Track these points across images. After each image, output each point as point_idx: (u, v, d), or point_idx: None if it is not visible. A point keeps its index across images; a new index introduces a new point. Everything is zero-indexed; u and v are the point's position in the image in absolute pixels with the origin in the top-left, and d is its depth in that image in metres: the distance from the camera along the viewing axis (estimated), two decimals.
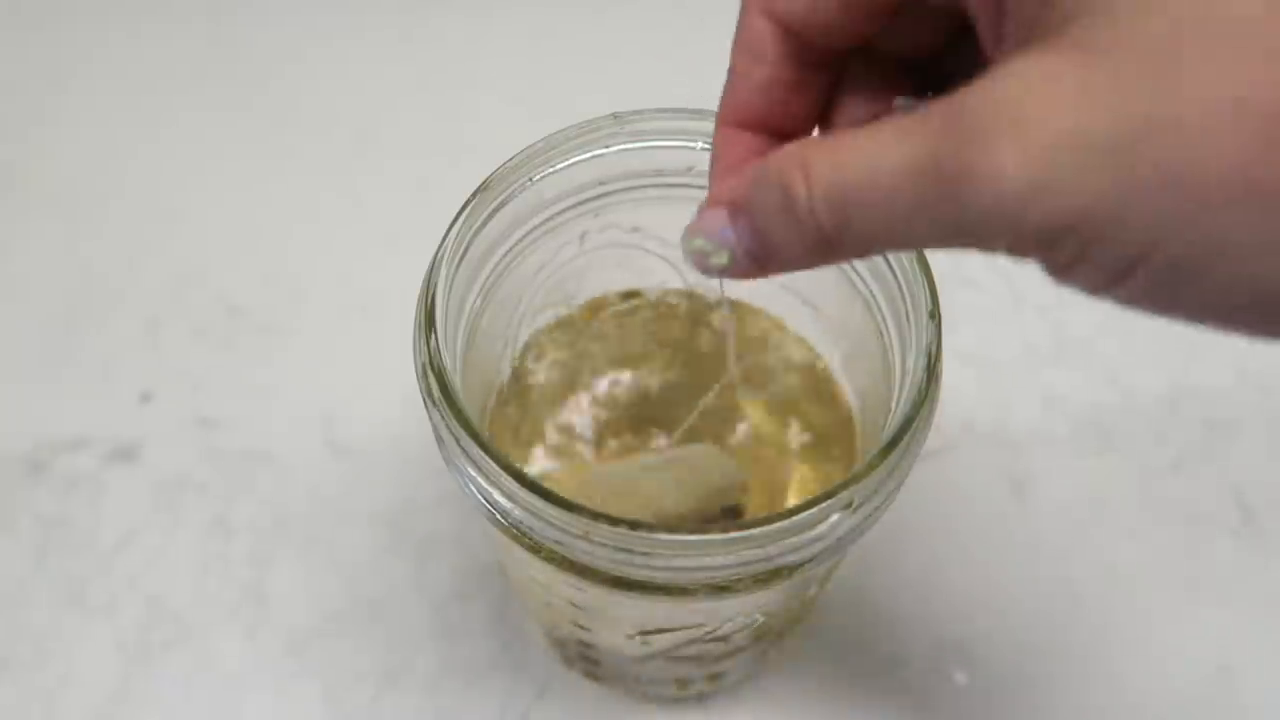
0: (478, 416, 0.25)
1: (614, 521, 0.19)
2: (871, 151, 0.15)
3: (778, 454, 0.28)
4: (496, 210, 0.24)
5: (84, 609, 0.32)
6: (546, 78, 0.44)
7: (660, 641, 0.25)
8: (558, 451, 0.28)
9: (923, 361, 0.21)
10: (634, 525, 0.19)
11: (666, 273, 0.29)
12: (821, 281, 0.26)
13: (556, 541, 0.20)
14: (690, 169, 0.25)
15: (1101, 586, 0.32)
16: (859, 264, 0.25)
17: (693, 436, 0.28)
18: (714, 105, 0.25)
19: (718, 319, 0.29)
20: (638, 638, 0.25)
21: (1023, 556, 0.33)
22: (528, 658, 0.31)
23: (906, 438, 0.21)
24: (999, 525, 0.33)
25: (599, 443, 0.28)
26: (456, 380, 0.22)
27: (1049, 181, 0.13)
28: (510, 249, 0.25)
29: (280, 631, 0.32)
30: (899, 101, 0.19)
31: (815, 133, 0.19)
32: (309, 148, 0.42)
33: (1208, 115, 0.13)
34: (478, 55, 0.45)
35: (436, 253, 0.22)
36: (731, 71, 0.19)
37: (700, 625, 0.25)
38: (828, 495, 0.20)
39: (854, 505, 0.20)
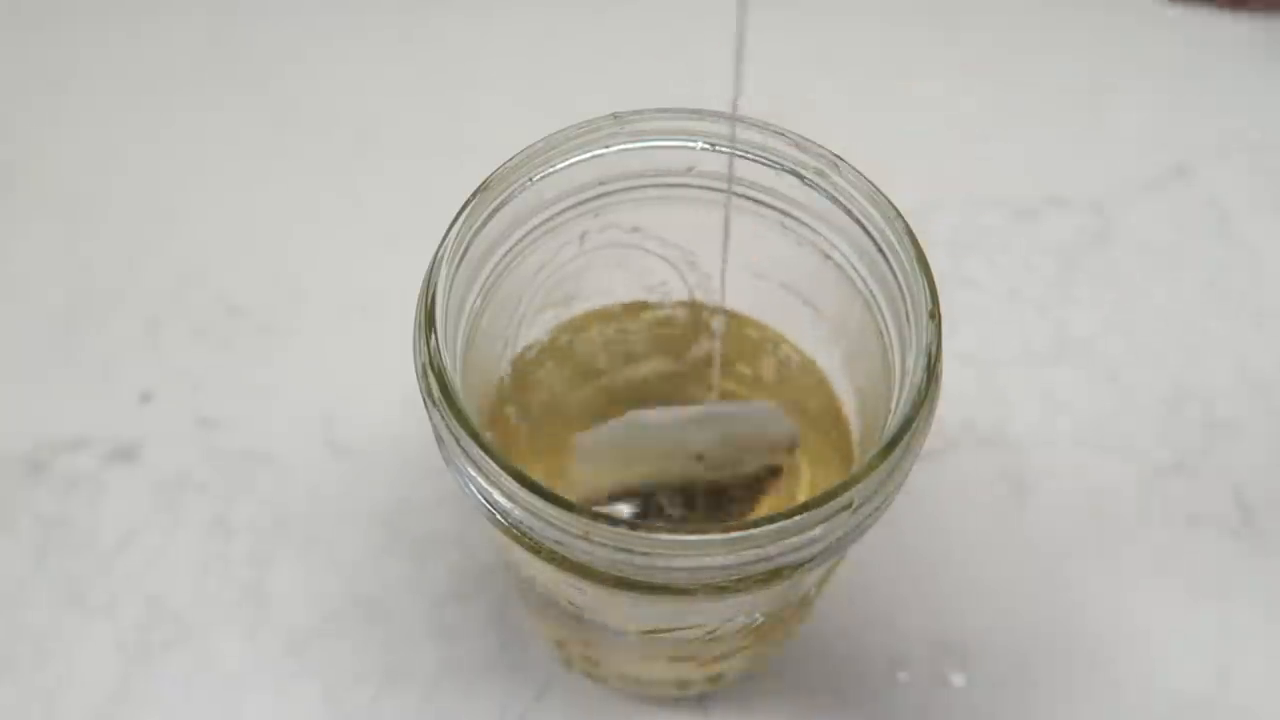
0: (478, 416, 0.25)
1: (614, 521, 0.19)
2: None
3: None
4: (496, 210, 0.24)
5: (84, 609, 0.32)
6: (546, 78, 0.44)
7: (660, 641, 0.25)
8: (559, 451, 0.28)
9: (923, 361, 0.21)
10: (634, 525, 0.19)
11: (666, 273, 0.29)
12: (821, 281, 0.26)
13: (556, 541, 0.20)
14: (690, 169, 0.25)
15: (1101, 586, 0.32)
16: (859, 264, 0.25)
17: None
18: (714, 105, 0.25)
19: (717, 322, 0.29)
20: (638, 638, 0.26)
21: (1023, 556, 0.33)
22: (527, 658, 0.31)
23: (906, 438, 0.21)
24: (999, 525, 0.33)
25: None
26: (456, 380, 0.22)
27: None
28: (510, 249, 0.25)
29: (280, 631, 0.32)
30: None
31: None
32: (309, 148, 0.42)
33: None
34: (478, 55, 0.45)
35: (436, 253, 0.22)
36: None
37: (700, 625, 0.25)
38: (828, 495, 0.20)
39: (854, 505, 0.20)
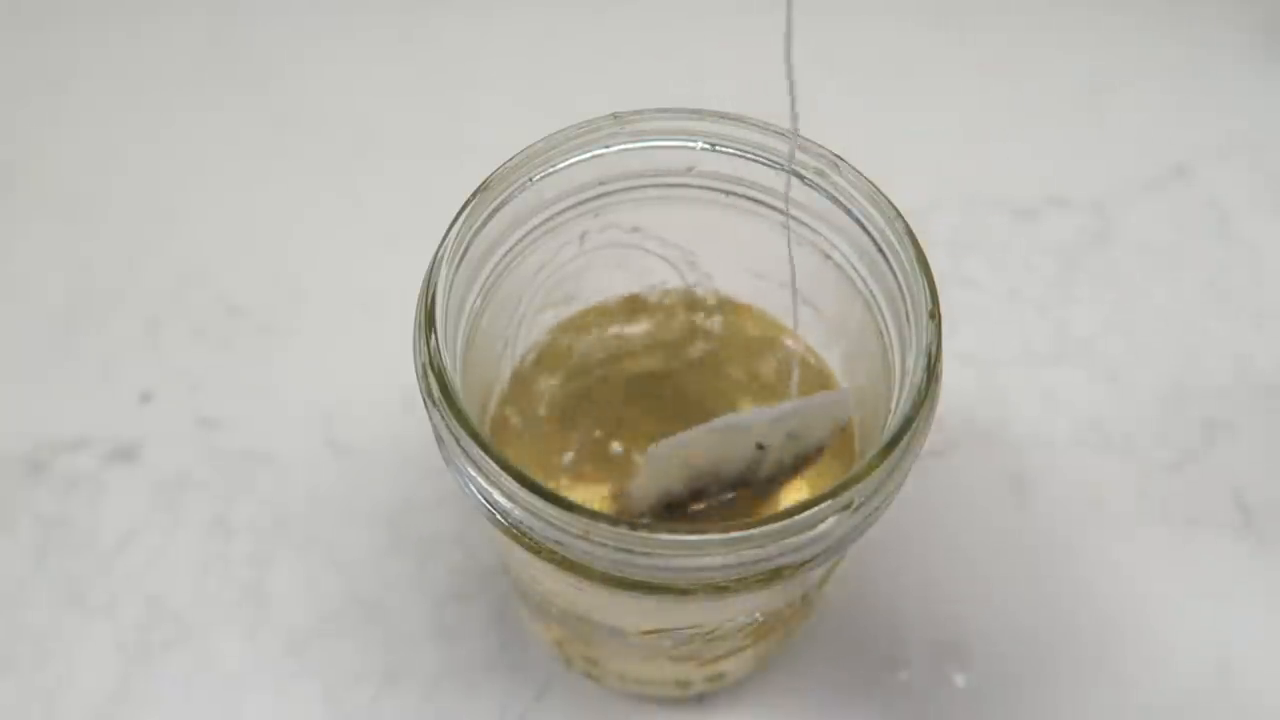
0: (478, 416, 0.25)
1: (614, 521, 0.19)
2: None
3: None
4: (496, 210, 0.24)
5: (84, 609, 0.32)
6: (546, 78, 0.44)
7: (660, 641, 0.25)
8: (559, 451, 0.28)
9: (923, 361, 0.21)
10: (634, 525, 0.19)
11: (666, 273, 0.29)
12: (821, 281, 0.26)
13: (556, 541, 0.20)
14: (690, 169, 0.25)
15: (1101, 586, 0.32)
16: (859, 264, 0.25)
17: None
18: (714, 105, 0.25)
19: (716, 322, 0.29)
20: (638, 638, 0.26)
21: (1023, 556, 0.33)
22: (527, 658, 0.31)
23: (906, 438, 0.21)
24: (999, 525, 0.33)
25: (600, 442, 0.28)
26: (456, 380, 0.22)
27: None
28: (510, 249, 0.25)
29: (280, 631, 0.32)
30: None
31: None
32: (309, 148, 0.42)
33: None
34: (478, 55, 0.45)
35: (436, 253, 0.22)
36: None
37: (700, 625, 0.25)
38: (828, 495, 0.20)
39: (854, 505, 0.20)
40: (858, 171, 0.24)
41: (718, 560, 0.20)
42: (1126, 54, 0.46)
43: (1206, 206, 0.41)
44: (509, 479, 0.20)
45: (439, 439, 0.21)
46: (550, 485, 0.20)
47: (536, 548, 0.21)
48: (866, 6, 0.46)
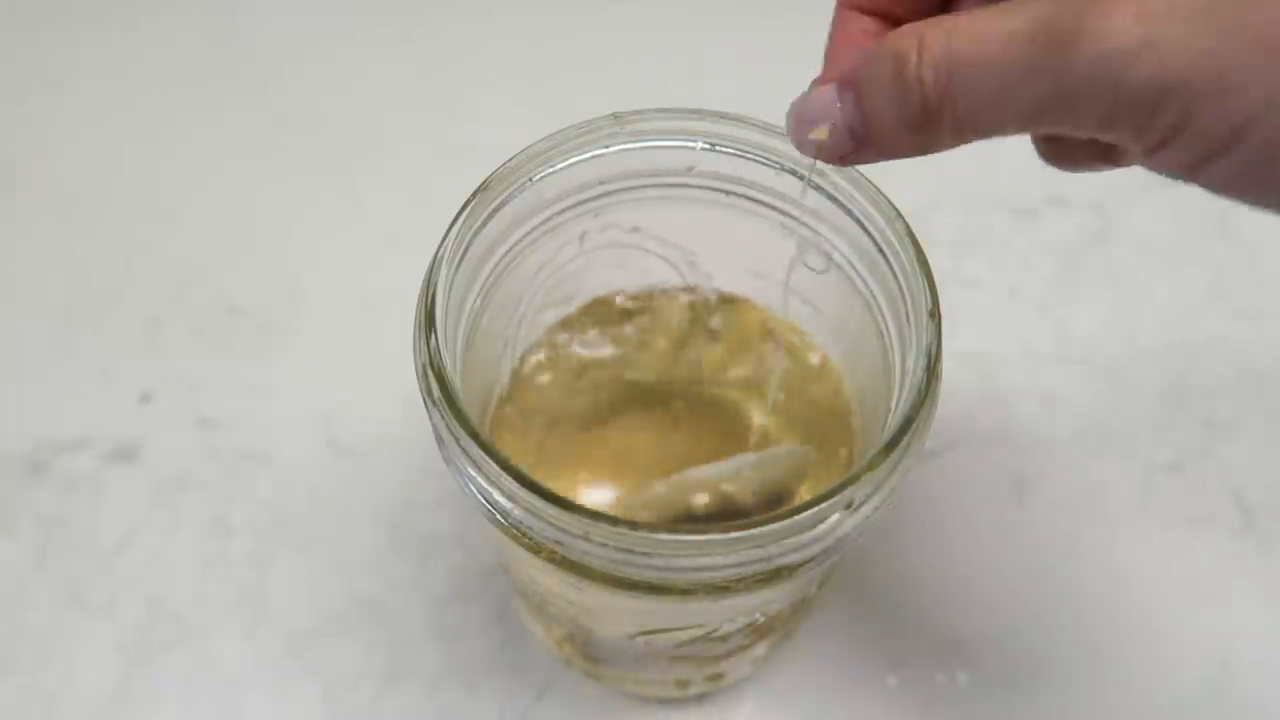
0: (478, 416, 0.25)
1: (614, 521, 0.19)
2: (986, 21, 0.15)
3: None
4: (496, 210, 0.24)
5: (84, 609, 0.32)
6: (546, 78, 0.44)
7: (660, 641, 0.25)
8: (559, 450, 0.28)
9: (923, 361, 0.21)
10: (634, 525, 0.19)
11: (666, 272, 0.29)
12: (821, 281, 0.26)
13: (556, 541, 0.20)
14: (690, 169, 0.25)
15: (1101, 586, 0.32)
16: (859, 264, 0.25)
17: (694, 438, 0.28)
18: (714, 105, 0.25)
19: (716, 320, 0.29)
20: (638, 638, 0.26)
21: (1023, 556, 0.33)
22: (528, 658, 0.31)
23: (906, 438, 0.21)
24: (999, 525, 0.33)
25: (600, 441, 0.28)
26: (456, 380, 0.22)
27: (1156, 39, 0.13)
28: (510, 249, 0.25)
29: (280, 631, 0.32)
30: None
31: None
32: (309, 148, 0.42)
33: None
34: (478, 55, 0.45)
35: (436, 253, 0.22)
36: None
37: (700, 625, 0.25)
38: (828, 495, 0.20)
39: (854, 505, 0.20)
40: (858, 171, 0.24)
41: (718, 560, 0.20)
42: None
43: (1206, 206, 0.41)
44: (509, 479, 0.20)
45: (439, 439, 0.21)
46: (550, 485, 0.20)
47: (536, 548, 0.21)
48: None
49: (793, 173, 0.24)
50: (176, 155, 0.42)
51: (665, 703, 0.31)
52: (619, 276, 0.29)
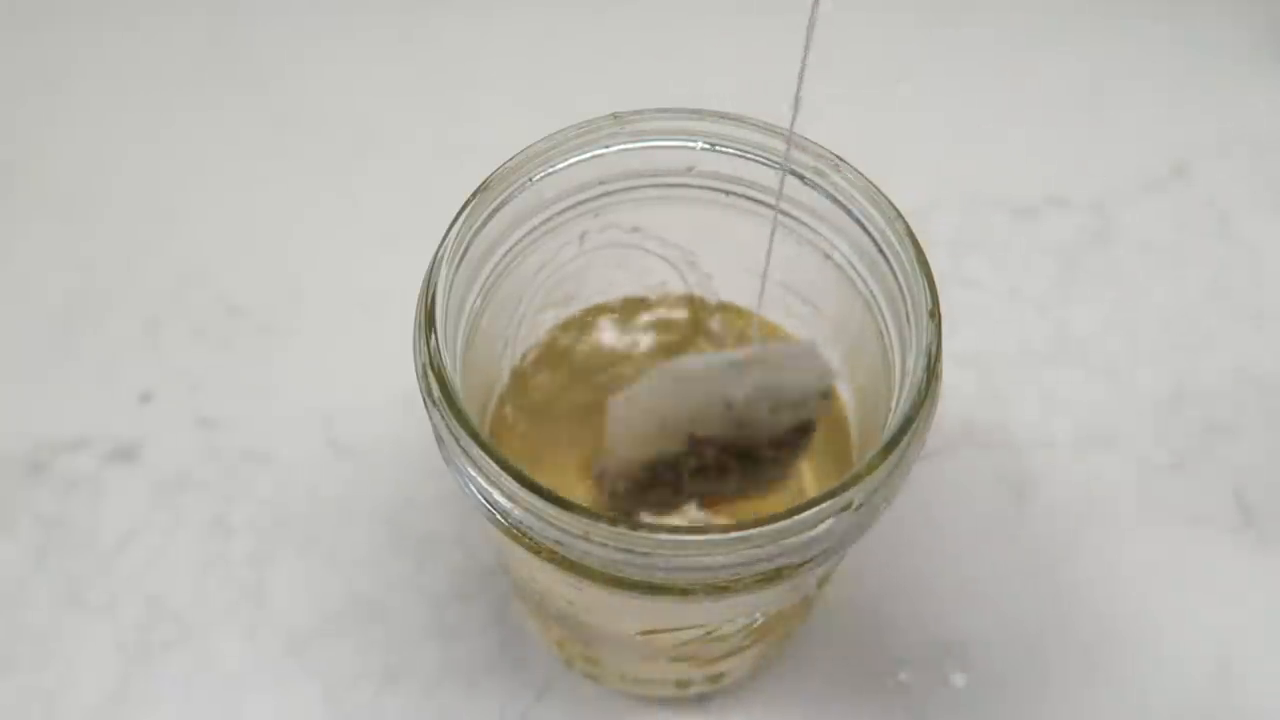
0: (478, 416, 0.25)
1: (614, 521, 0.19)
2: None
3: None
4: (496, 210, 0.24)
5: (84, 609, 0.32)
6: (546, 78, 0.44)
7: (660, 641, 0.25)
8: (559, 451, 0.28)
9: (923, 361, 0.21)
10: (634, 525, 0.19)
11: (666, 273, 0.29)
12: (821, 281, 0.26)
13: (556, 541, 0.20)
14: (690, 169, 0.25)
15: (1101, 586, 0.32)
16: (859, 263, 0.25)
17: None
18: (714, 105, 0.25)
19: (717, 322, 0.29)
20: (638, 638, 0.26)
21: (1023, 557, 0.33)
22: (528, 658, 0.31)
23: (906, 438, 0.21)
24: (999, 526, 0.33)
25: (600, 441, 0.28)
26: (456, 380, 0.22)
27: None
28: (510, 249, 0.25)
29: (280, 631, 0.32)
30: None
31: None
32: (309, 148, 0.42)
33: None
34: (478, 55, 0.45)
35: (436, 253, 0.22)
36: None
37: (700, 625, 0.25)
38: (828, 495, 0.20)
39: (854, 505, 0.20)
40: (858, 171, 0.24)
41: (718, 560, 0.20)
42: (1126, 53, 0.46)
43: (1206, 206, 0.41)
44: (509, 479, 0.20)
45: (439, 439, 0.21)
46: (550, 485, 0.20)
47: (536, 548, 0.21)
48: (867, 6, 0.46)
49: (793, 173, 0.24)
50: (176, 155, 0.42)
51: (665, 703, 0.31)
52: (619, 276, 0.28)
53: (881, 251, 0.23)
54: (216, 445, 0.35)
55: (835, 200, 0.24)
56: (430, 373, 0.21)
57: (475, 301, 0.24)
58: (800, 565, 0.20)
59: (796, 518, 0.19)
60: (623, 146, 0.24)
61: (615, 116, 0.24)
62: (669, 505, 0.25)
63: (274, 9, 0.46)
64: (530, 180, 0.24)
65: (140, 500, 0.34)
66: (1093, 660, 0.31)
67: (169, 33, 0.46)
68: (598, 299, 0.29)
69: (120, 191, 0.41)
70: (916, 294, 0.22)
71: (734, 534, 0.19)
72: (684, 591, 0.20)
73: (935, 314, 0.22)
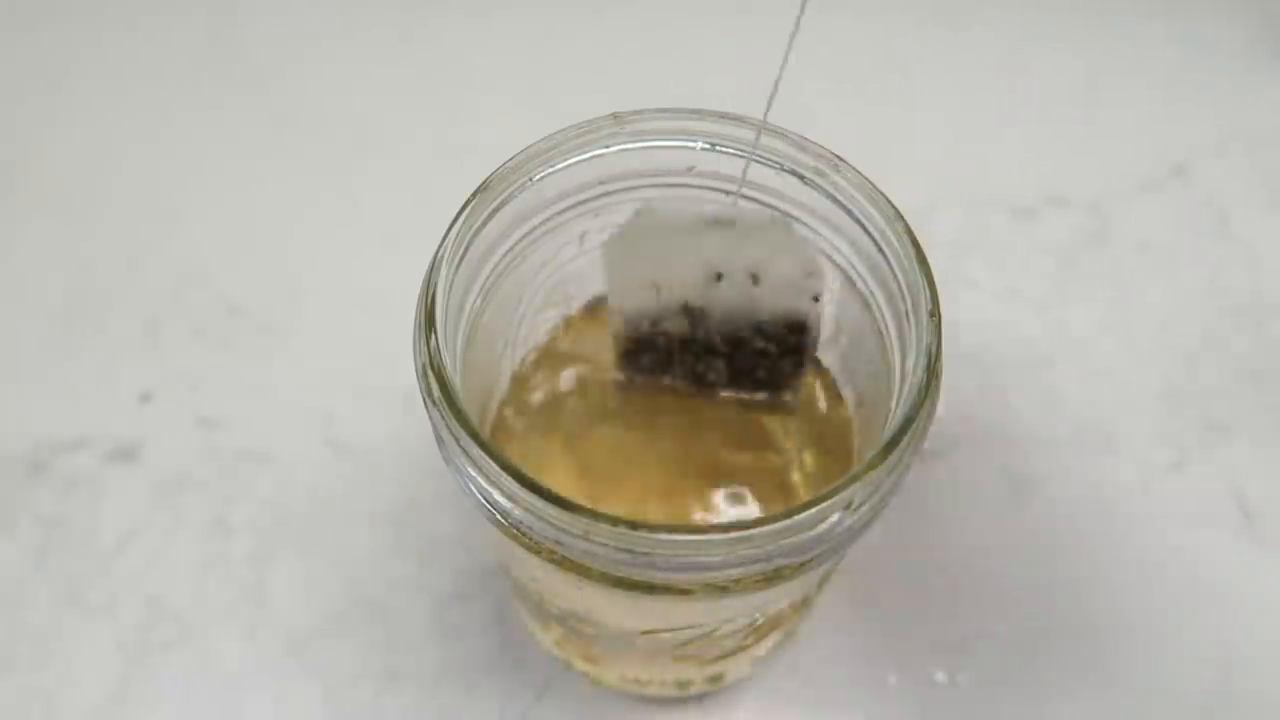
0: (478, 417, 0.25)
1: (614, 521, 0.19)
2: None
3: (777, 454, 0.28)
4: (496, 210, 0.24)
5: (84, 609, 0.32)
6: (546, 78, 0.44)
7: (660, 641, 0.25)
8: (559, 450, 0.28)
9: (923, 361, 0.21)
10: (634, 525, 0.19)
11: None
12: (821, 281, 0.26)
13: (556, 541, 0.20)
14: (690, 169, 0.25)
15: (1101, 586, 0.32)
16: (859, 263, 0.25)
17: (695, 439, 0.28)
18: (714, 105, 0.25)
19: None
20: (638, 638, 0.26)
21: (1023, 556, 0.33)
22: (528, 658, 0.31)
23: (906, 438, 0.21)
24: (999, 525, 0.33)
25: (600, 441, 0.28)
26: (456, 380, 0.22)
27: None
28: (510, 249, 0.25)
29: (280, 631, 0.32)
30: None
31: None
32: (309, 148, 0.42)
33: None
34: (478, 55, 0.45)
35: (436, 253, 0.22)
36: None
37: (700, 625, 0.25)
38: (828, 495, 0.20)
39: (854, 505, 0.20)
40: (858, 171, 0.24)
41: (718, 560, 0.20)
42: (1124, 53, 0.46)
43: (1205, 206, 0.41)
44: (509, 479, 0.20)
45: (439, 439, 0.21)
46: (550, 485, 0.20)
47: (536, 548, 0.21)
48: (866, 6, 0.46)
49: (793, 172, 0.24)
50: (176, 155, 0.42)
51: (665, 703, 0.31)
52: None
53: (881, 251, 0.23)
54: (216, 445, 0.35)
55: (835, 200, 0.24)
56: (430, 373, 0.21)
57: (475, 301, 0.24)
58: (800, 565, 0.20)
59: (796, 518, 0.19)
60: (623, 146, 0.24)
61: (615, 116, 0.24)
62: (662, 372, 0.26)
63: (274, 9, 0.46)
64: (530, 180, 0.24)
65: (140, 500, 0.34)
66: (1093, 660, 0.31)
67: (169, 33, 0.46)
68: (598, 299, 0.29)
69: (120, 191, 0.41)
70: (916, 294, 0.22)
71: (734, 534, 0.19)
72: (684, 591, 0.20)
73: (935, 314, 0.22)
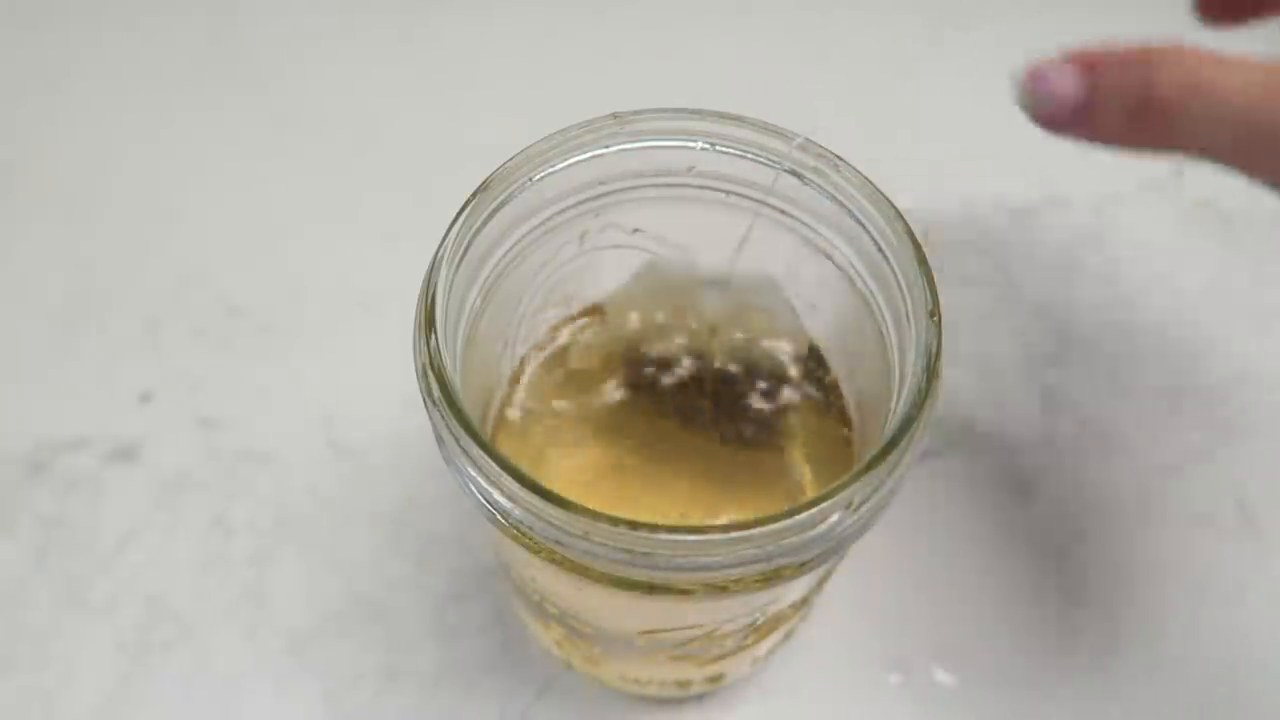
0: (478, 417, 0.25)
1: (614, 521, 0.19)
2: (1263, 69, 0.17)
3: (777, 454, 0.28)
4: (496, 210, 0.24)
5: (84, 609, 0.32)
6: (546, 78, 0.44)
7: (660, 641, 0.25)
8: (559, 450, 0.28)
9: (923, 361, 0.21)
10: (634, 525, 0.19)
11: None
12: (821, 281, 0.26)
13: (556, 541, 0.20)
14: (690, 169, 0.25)
15: (1102, 587, 0.32)
16: (859, 263, 0.25)
17: (693, 436, 0.28)
18: (714, 105, 0.25)
19: (711, 310, 0.29)
20: (638, 638, 0.26)
21: (1023, 557, 0.33)
22: (528, 658, 0.31)
23: (906, 438, 0.21)
24: (999, 525, 0.33)
25: (600, 441, 0.28)
26: (456, 380, 0.22)
27: None
28: (510, 249, 0.25)
29: (280, 631, 0.32)
30: None
31: None
32: (309, 148, 0.42)
33: None
34: (478, 55, 0.45)
35: (436, 253, 0.22)
36: None
37: (700, 625, 0.25)
38: (828, 495, 0.20)
39: (854, 505, 0.20)
40: (858, 171, 0.24)
41: (717, 560, 0.20)
42: None
43: (1205, 206, 0.41)
44: (509, 479, 0.20)
45: (439, 439, 0.21)
46: (549, 485, 0.20)
47: (536, 548, 0.21)
48: (866, 6, 0.46)
49: (793, 172, 0.24)
50: (176, 155, 0.42)
51: (665, 703, 0.31)
52: (619, 277, 0.28)
53: (881, 251, 0.23)
54: (216, 445, 0.35)
55: (835, 200, 0.24)
56: (430, 373, 0.21)
57: (475, 301, 0.24)
58: (800, 565, 0.20)
59: (796, 518, 0.19)
60: (623, 146, 0.24)
61: (615, 116, 0.24)
62: (654, 411, 0.27)
63: (274, 9, 0.46)
64: (530, 180, 0.24)
65: (140, 500, 0.34)
66: (1093, 660, 0.31)
67: (169, 33, 0.46)
68: (598, 299, 0.29)
69: (120, 191, 0.41)
70: (916, 294, 0.22)
71: (733, 534, 0.19)
72: (684, 591, 0.20)
73: (935, 314, 0.22)
